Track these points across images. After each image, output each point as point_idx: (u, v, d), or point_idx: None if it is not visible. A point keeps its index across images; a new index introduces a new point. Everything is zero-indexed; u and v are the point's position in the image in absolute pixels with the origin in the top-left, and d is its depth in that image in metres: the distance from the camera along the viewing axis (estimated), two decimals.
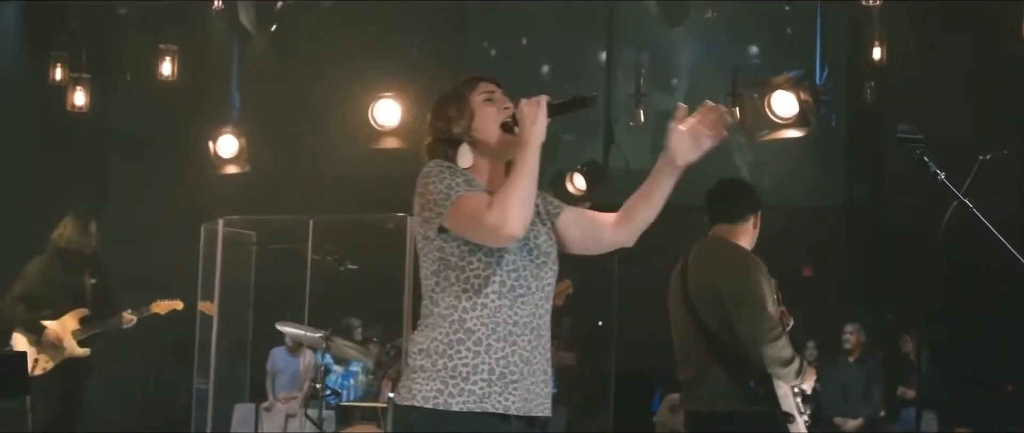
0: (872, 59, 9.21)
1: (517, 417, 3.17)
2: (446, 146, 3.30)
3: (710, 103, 3.23)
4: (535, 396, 3.20)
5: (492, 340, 3.13)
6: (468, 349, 3.12)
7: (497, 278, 3.15)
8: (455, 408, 3.08)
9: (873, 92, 9.98)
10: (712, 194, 5.41)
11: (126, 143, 11.20)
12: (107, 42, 10.69)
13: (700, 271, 5.23)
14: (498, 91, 3.35)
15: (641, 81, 9.76)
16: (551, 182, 10.00)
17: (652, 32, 10.87)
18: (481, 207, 3.06)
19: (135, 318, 7.90)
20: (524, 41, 12.29)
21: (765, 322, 4.98)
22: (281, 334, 9.66)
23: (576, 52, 11.33)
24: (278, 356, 10.64)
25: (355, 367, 10.15)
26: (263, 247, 8.81)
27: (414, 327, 5.87)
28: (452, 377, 3.10)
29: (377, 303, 9.72)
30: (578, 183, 10.29)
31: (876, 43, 9.11)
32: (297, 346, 10.72)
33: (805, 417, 5.16)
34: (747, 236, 5.29)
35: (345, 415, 9.20)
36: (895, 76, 9.92)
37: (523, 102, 3.21)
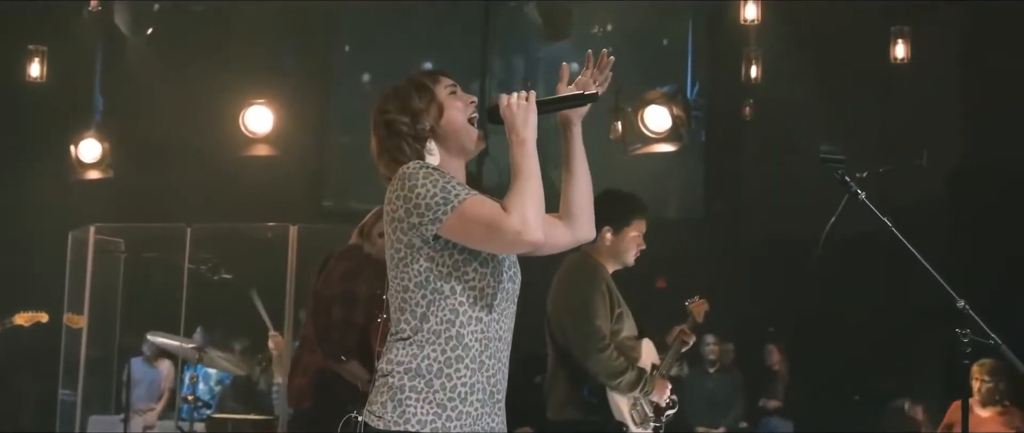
0: (748, 76, 9.45)
1: None
2: (411, 142, 3.07)
3: (591, 52, 3.16)
4: (504, 416, 3.09)
5: (485, 357, 2.98)
6: (466, 367, 2.94)
7: (489, 290, 2.97)
8: (454, 432, 2.91)
9: (753, 108, 10.24)
10: None
11: None
12: None
13: (553, 283, 5.46)
14: (458, 86, 3.16)
15: (527, 85, 9.80)
16: None
17: (531, 44, 10.94)
18: (496, 213, 2.87)
19: None
20: (397, 54, 12.23)
21: (591, 335, 5.17)
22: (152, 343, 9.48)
23: (452, 60, 11.31)
24: (136, 366, 10.38)
25: (207, 379, 9.99)
26: (134, 255, 8.56)
27: (299, 337, 5.79)
28: (450, 399, 2.91)
29: (252, 314, 9.57)
30: None
31: (752, 61, 9.35)
32: (156, 356, 10.51)
33: (653, 427, 5.33)
34: (607, 249, 5.41)
35: (216, 428, 9.02)
36: (764, 94, 10.19)
37: (507, 99, 3.03)
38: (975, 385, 7.98)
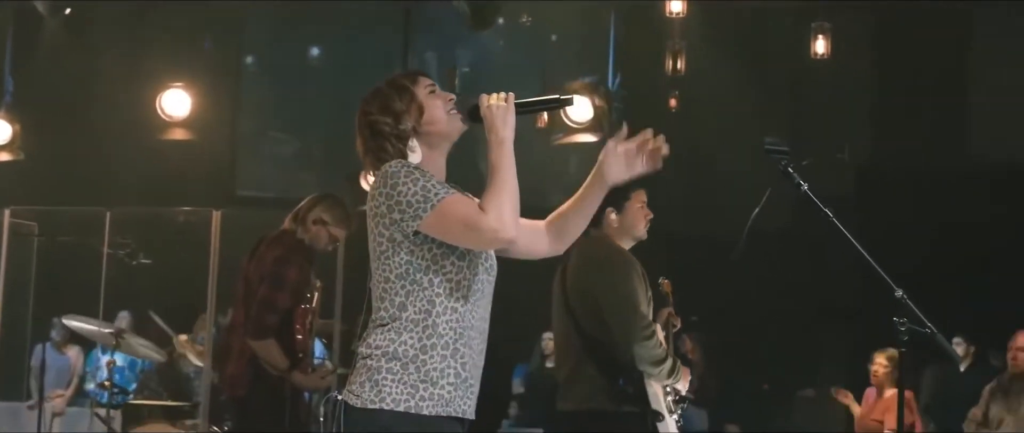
0: (670, 68, 9.53)
1: (469, 420, 3.20)
2: (394, 142, 3.20)
3: (650, 132, 3.29)
4: (475, 400, 3.22)
5: (459, 344, 3.13)
6: (439, 353, 3.09)
7: (465, 282, 3.13)
8: (425, 412, 3.06)
9: (677, 100, 10.34)
10: None
11: None
12: None
13: (576, 271, 5.29)
14: (437, 85, 3.31)
15: (457, 81, 9.79)
16: (347, 180, 9.90)
17: (455, 33, 10.92)
18: (474, 211, 3.03)
19: None
20: (314, 48, 12.15)
21: (637, 321, 5.05)
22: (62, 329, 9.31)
23: (372, 52, 11.25)
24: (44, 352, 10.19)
25: (124, 364, 9.85)
26: (49, 239, 8.37)
27: (227, 324, 5.75)
28: (423, 381, 3.07)
29: (173, 299, 9.44)
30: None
31: (675, 54, 9.44)
32: (65, 342, 10.34)
33: (676, 416, 5.23)
34: (617, 229, 5.30)
35: (133, 413, 8.89)
36: (686, 86, 10.29)
37: (487, 100, 3.15)
38: (875, 369, 8.27)
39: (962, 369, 9.21)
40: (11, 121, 10.00)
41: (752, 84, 10.37)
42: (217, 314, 8.01)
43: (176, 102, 9.91)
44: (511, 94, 3.17)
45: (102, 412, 7.86)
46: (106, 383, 7.99)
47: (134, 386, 10.11)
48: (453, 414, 3.13)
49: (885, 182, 11.08)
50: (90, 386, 9.77)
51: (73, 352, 10.53)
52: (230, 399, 6.08)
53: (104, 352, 8.39)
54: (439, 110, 3.23)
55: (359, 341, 3.20)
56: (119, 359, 8.43)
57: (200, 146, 10.28)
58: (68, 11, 9.53)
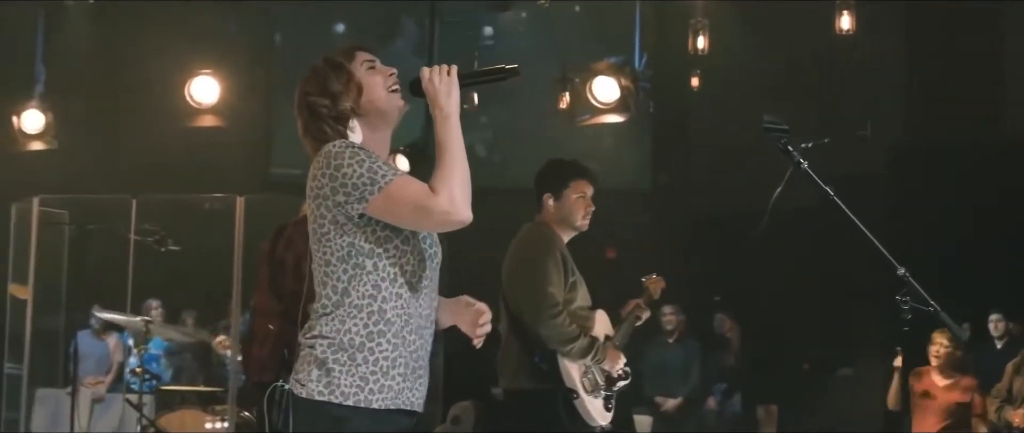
0: (695, 48, 9.48)
1: (418, 414, 3.11)
2: (334, 124, 3.08)
3: (488, 315, 3.25)
4: (425, 392, 3.14)
5: (406, 333, 3.03)
6: (388, 341, 2.99)
7: (409, 267, 3.02)
8: (375, 405, 2.96)
9: (702, 79, 10.28)
10: None
11: None
12: None
13: (508, 252, 5.49)
14: (376, 58, 3.18)
15: (475, 64, 9.74)
16: None
17: (479, 14, 10.92)
18: (424, 193, 2.91)
19: None
20: (341, 26, 12.18)
21: (542, 301, 5.20)
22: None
23: (399, 32, 11.27)
24: (83, 340, 10.30)
25: (156, 350, 9.94)
26: (80, 228, 8.46)
27: (252, 308, 5.76)
28: (373, 373, 2.96)
29: (201, 285, 9.51)
30: (401, 165, 10.28)
31: (698, 32, 9.38)
32: (103, 329, 10.43)
33: (603, 396, 5.37)
34: (554, 217, 5.47)
35: (166, 400, 8.98)
36: (711, 66, 10.23)
37: (429, 71, 3.05)
38: (934, 350, 8.10)
39: (999, 346, 9.10)
40: (43, 111, 10.09)
41: (778, 61, 10.28)
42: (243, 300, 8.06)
43: (205, 89, 9.95)
44: (454, 66, 3.05)
45: (133, 398, 7.95)
46: (137, 370, 8.08)
47: (170, 373, 10.22)
48: (403, 407, 3.03)
49: (919, 159, 10.95)
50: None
51: (112, 339, 10.61)
52: (255, 384, 6.10)
53: (126, 339, 8.47)
54: (379, 88, 3.11)
55: (301, 330, 3.08)
56: (151, 346, 8.50)
57: (229, 132, 10.33)
58: (92, 0, 9.57)
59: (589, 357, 5.29)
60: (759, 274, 10.39)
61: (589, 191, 5.50)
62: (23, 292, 8.52)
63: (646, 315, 5.82)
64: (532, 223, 5.52)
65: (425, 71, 3.05)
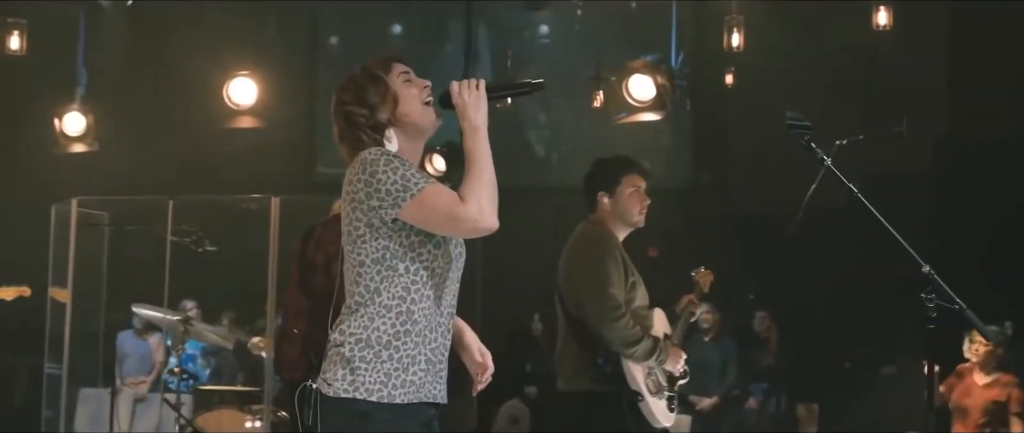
0: (729, 45, 9.43)
1: (442, 405, 3.22)
2: (369, 133, 3.21)
3: (490, 372, 3.47)
4: (445, 384, 3.25)
5: (428, 331, 3.15)
6: (412, 340, 3.11)
7: (438, 270, 3.15)
8: (399, 400, 3.09)
9: (734, 77, 10.22)
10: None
11: None
12: None
13: (564, 253, 5.42)
14: (411, 71, 3.30)
15: (508, 63, 9.76)
16: None
17: (513, 15, 10.92)
18: (454, 201, 3.03)
19: None
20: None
21: (605, 303, 5.13)
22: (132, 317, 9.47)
23: (436, 33, 11.30)
24: (126, 340, 10.40)
25: (193, 350, 10.01)
26: (118, 229, 8.54)
27: (284, 308, 5.78)
28: (396, 368, 3.09)
29: (237, 285, 9.57)
30: (437, 164, 10.28)
31: (734, 30, 9.33)
32: (145, 329, 10.51)
33: (667, 396, 5.31)
34: (610, 214, 5.39)
35: (204, 399, 9.04)
36: (748, 63, 10.16)
37: (458, 86, 3.17)
38: (973, 348, 8.00)
39: None
40: (84, 113, 10.18)
41: (816, 58, 10.20)
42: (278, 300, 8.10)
43: (243, 90, 10.01)
44: (482, 81, 3.18)
45: (171, 398, 8.01)
46: (175, 370, 8.13)
47: (208, 372, 10.29)
48: (425, 399, 3.15)
49: (964, 154, 10.83)
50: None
51: (154, 339, 10.70)
52: (286, 383, 6.12)
53: (168, 339, 8.52)
54: (414, 100, 3.23)
55: (332, 328, 3.20)
56: (188, 346, 8.55)
57: (268, 133, 10.38)
58: (130, 2, 9.64)
59: (653, 358, 5.22)
60: (801, 272, 10.32)
61: (642, 185, 5.43)
62: (63, 295, 8.60)
63: (700, 311, 5.80)
64: (586, 223, 5.45)
65: (454, 85, 3.17)
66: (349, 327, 3.13)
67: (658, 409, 5.27)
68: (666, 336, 5.46)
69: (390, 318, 3.11)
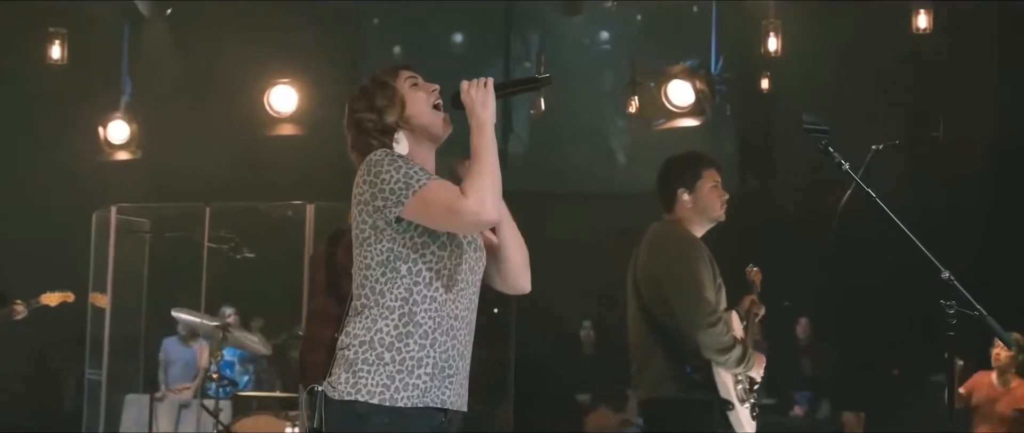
0: (767, 50, 9.33)
1: (452, 411, 3.19)
2: (380, 137, 3.25)
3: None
4: (464, 391, 3.24)
5: (437, 334, 3.14)
6: (416, 342, 3.11)
7: (446, 271, 3.16)
8: (400, 404, 3.08)
9: (770, 82, 10.12)
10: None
11: (11, 129, 10.90)
12: None
13: (645, 257, 5.16)
14: (419, 76, 3.34)
15: (542, 69, 9.71)
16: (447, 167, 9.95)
17: (550, 19, 10.87)
18: (455, 195, 3.04)
19: (25, 310, 7.68)
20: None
21: (701, 308, 4.90)
22: (175, 323, 9.51)
23: (475, 38, 11.28)
24: (171, 346, 10.46)
25: (231, 357, 10.05)
26: (157, 235, 8.61)
27: (309, 312, 5.78)
28: (399, 371, 3.09)
29: (274, 291, 9.60)
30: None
31: (772, 34, 9.23)
32: (191, 336, 10.57)
33: (749, 404, 5.08)
34: (692, 211, 5.16)
35: (242, 405, 9.06)
36: (789, 67, 10.06)
37: (467, 84, 3.19)
38: (995, 353, 7.92)
39: None
40: (129, 121, 10.28)
41: (853, 62, 10.07)
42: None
43: (283, 98, 10.07)
44: (490, 78, 3.20)
45: (209, 404, 8.04)
46: (214, 375, 8.16)
47: (246, 378, 10.33)
48: (430, 405, 3.13)
49: (1011, 158, 10.65)
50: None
51: (199, 345, 10.77)
52: (308, 389, 6.10)
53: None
54: (421, 103, 3.28)
55: (339, 331, 3.22)
56: (226, 353, 8.59)
57: (308, 139, 10.41)
58: (169, 11, 9.73)
59: (743, 365, 5.00)
60: (848, 276, 10.19)
61: (720, 179, 5.21)
62: (103, 301, 8.68)
63: (762, 311, 5.46)
64: (662, 222, 5.18)
65: (464, 84, 3.20)
66: (354, 329, 3.16)
67: (744, 417, 5.02)
68: (742, 340, 5.18)
69: (392, 320, 3.12)
